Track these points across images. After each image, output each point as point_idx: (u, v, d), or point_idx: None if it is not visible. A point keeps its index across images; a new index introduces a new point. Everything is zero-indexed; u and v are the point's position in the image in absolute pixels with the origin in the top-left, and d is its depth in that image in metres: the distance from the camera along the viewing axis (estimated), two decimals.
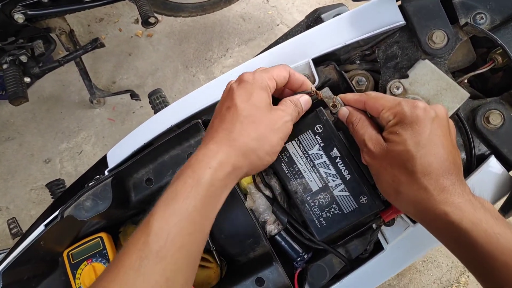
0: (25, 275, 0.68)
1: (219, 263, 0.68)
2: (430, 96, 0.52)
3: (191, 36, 1.98)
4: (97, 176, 0.67)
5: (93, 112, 1.82)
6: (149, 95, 0.99)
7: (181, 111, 0.68)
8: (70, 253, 0.70)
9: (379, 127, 0.49)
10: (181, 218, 0.41)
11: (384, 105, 0.46)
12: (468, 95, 0.51)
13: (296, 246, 0.59)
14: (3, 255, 0.98)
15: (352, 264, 0.57)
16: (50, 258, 0.71)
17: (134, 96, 1.69)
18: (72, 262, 0.71)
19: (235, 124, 0.46)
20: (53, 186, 1.22)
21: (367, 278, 0.57)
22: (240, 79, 0.49)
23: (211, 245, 0.67)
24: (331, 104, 0.52)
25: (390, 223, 0.55)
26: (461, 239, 0.40)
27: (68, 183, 1.67)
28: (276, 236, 0.59)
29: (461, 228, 0.40)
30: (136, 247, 0.40)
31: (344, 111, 0.51)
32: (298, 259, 0.59)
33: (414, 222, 0.54)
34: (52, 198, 1.23)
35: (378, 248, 0.57)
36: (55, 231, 0.65)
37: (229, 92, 0.49)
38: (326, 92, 0.53)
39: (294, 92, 0.53)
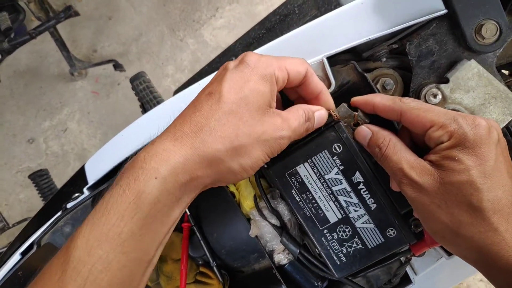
0: None
1: (221, 279, 0.61)
2: (475, 106, 0.42)
3: None
4: (76, 195, 0.58)
5: (74, 85, 1.69)
6: (131, 80, 0.87)
7: (175, 113, 0.58)
8: None
9: (415, 148, 0.39)
10: (109, 248, 0.31)
11: (434, 121, 0.36)
12: None
13: (309, 276, 0.52)
14: None
15: None
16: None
17: (117, 67, 1.56)
18: None
19: (209, 120, 0.34)
20: (36, 177, 1.14)
21: None
22: (241, 59, 0.37)
23: (212, 261, 0.60)
24: (352, 123, 0.42)
25: (420, 255, 0.47)
26: None
27: (55, 164, 1.59)
28: (286, 266, 0.52)
29: None
30: (49, 285, 0.31)
31: (364, 131, 0.40)
32: None
33: (449, 254, 0.46)
34: (36, 189, 1.14)
35: (404, 278, 0.50)
36: (33, 260, 0.58)
37: (221, 72, 0.38)
38: (344, 112, 0.42)
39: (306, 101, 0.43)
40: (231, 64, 0.37)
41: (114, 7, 1.78)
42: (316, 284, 0.52)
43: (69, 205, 0.57)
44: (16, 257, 0.58)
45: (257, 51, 0.51)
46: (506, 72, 0.51)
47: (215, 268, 0.60)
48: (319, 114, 0.41)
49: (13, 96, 1.69)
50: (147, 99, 0.85)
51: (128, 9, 1.78)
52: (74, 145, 1.59)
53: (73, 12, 1.31)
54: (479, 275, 1.46)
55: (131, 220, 0.31)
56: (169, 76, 1.68)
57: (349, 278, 0.49)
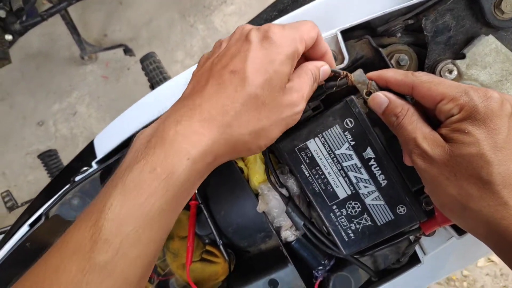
0: (14, 277, 0.62)
1: (227, 258, 0.61)
2: (492, 83, 0.41)
3: None
4: (84, 168, 0.58)
5: (85, 69, 1.69)
6: (141, 60, 0.87)
7: (181, 91, 0.57)
8: None
9: (430, 122, 0.38)
10: (140, 223, 0.31)
11: (445, 94, 0.35)
12: None
13: (316, 253, 0.51)
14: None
15: (381, 276, 0.50)
16: (42, 254, 0.65)
17: (127, 51, 1.56)
18: None
19: (235, 104, 0.34)
20: (46, 157, 1.15)
21: None
22: (265, 34, 0.36)
23: (218, 239, 0.60)
24: (365, 91, 0.41)
25: (430, 234, 0.46)
26: None
27: (64, 147, 1.60)
28: (293, 243, 0.51)
29: None
30: (78, 254, 0.30)
31: (381, 98, 0.39)
32: (319, 268, 0.52)
33: (459, 233, 0.45)
34: (45, 169, 1.15)
35: (412, 257, 0.49)
36: (41, 231, 0.58)
37: (243, 44, 0.36)
38: (359, 76, 0.41)
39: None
40: (254, 35, 0.36)
41: None
42: (323, 262, 0.51)
43: (77, 178, 0.57)
44: (24, 228, 0.59)
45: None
46: None
47: (221, 247, 0.60)
48: (324, 70, 0.40)
49: (24, 79, 1.70)
50: (157, 80, 0.85)
51: None
52: (83, 129, 1.60)
53: None
54: (486, 269, 1.45)
55: (161, 198, 0.32)
56: (179, 62, 1.68)
57: (356, 257, 0.49)
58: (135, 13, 1.76)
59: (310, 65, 0.39)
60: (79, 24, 1.59)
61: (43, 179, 1.54)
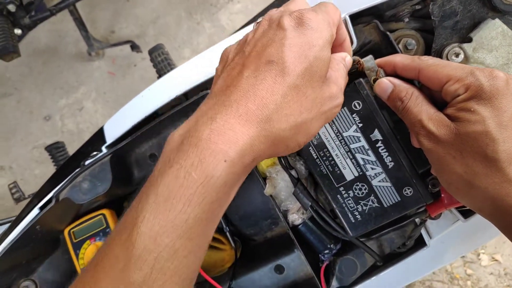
0: (23, 260, 0.63)
1: (233, 244, 0.62)
2: (498, 66, 0.42)
3: None
4: (94, 153, 0.59)
5: (92, 65, 1.71)
6: (150, 52, 0.88)
7: (190, 77, 0.58)
8: (71, 231, 0.64)
9: (437, 104, 0.39)
10: (176, 235, 0.29)
11: (451, 75, 0.36)
12: None
13: (323, 237, 0.52)
14: (6, 226, 0.93)
15: (386, 260, 0.50)
16: (50, 238, 0.65)
17: (134, 47, 1.57)
18: (74, 241, 0.65)
19: (274, 95, 0.31)
20: (53, 149, 1.16)
21: (402, 274, 0.50)
22: (300, 20, 0.33)
23: (225, 226, 0.61)
24: (373, 78, 0.42)
25: (436, 217, 0.47)
26: None
27: (70, 142, 1.61)
28: (300, 227, 0.52)
29: None
30: (112, 273, 0.29)
31: (385, 84, 0.40)
32: (326, 252, 0.52)
33: (465, 216, 0.45)
34: (52, 161, 1.16)
35: (418, 241, 0.50)
36: (51, 214, 0.59)
37: (276, 32, 0.33)
38: (369, 62, 0.42)
39: None
40: (287, 22, 0.33)
41: None
42: (329, 246, 0.52)
43: (87, 162, 0.58)
44: (34, 211, 0.59)
45: None
46: None
47: (228, 234, 0.61)
48: (348, 61, 0.39)
49: (32, 74, 1.72)
50: (165, 71, 0.86)
51: None
52: (90, 124, 1.62)
53: None
54: (490, 268, 1.44)
55: (198, 205, 0.29)
56: (185, 59, 1.68)
57: (362, 240, 0.49)
58: (142, 11, 1.78)
59: (337, 57, 0.38)
60: (87, 21, 1.61)
61: (49, 173, 1.54)
